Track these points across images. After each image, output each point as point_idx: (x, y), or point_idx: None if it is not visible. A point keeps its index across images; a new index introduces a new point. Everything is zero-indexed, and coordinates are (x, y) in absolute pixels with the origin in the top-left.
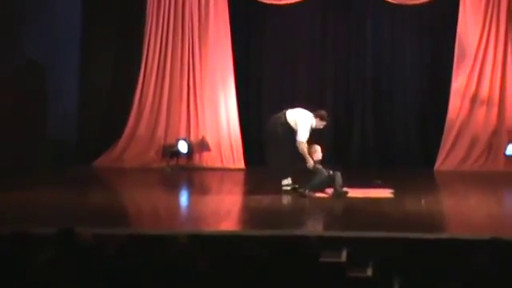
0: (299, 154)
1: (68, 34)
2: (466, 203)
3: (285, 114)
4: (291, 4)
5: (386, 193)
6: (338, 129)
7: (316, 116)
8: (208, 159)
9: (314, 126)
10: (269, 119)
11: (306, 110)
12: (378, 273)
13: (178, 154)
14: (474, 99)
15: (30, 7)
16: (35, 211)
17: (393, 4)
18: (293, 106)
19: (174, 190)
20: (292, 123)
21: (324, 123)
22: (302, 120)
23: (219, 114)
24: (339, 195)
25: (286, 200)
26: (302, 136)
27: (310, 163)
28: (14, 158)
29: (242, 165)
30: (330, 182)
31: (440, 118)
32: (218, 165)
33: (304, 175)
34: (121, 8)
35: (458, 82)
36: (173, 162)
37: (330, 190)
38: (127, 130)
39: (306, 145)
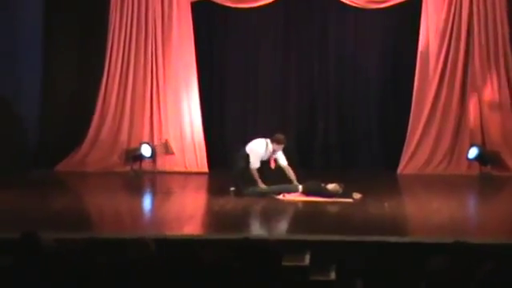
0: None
1: (29, 35)
2: (428, 207)
3: (244, 148)
4: (255, 8)
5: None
6: (300, 130)
7: (273, 141)
8: (171, 163)
9: (270, 150)
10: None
11: (261, 139)
12: (341, 276)
13: (141, 157)
14: (435, 103)
15: None
16: None
17: (356, 7)
18: (252, 138)
19: (137, 193)
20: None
21: (282, 146)
22: (252, 150)
23: (182, 118)
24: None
25: (249, 204)
26: (253, 163)
27: (260, 185)
28: None
29: (205, 168)
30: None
31: (403, 121)
32: (182, 168)
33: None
34: (83, 11)
35: (420, 86)
36: (136, 166)
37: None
38: (90, 134)
39: (255, 170)
